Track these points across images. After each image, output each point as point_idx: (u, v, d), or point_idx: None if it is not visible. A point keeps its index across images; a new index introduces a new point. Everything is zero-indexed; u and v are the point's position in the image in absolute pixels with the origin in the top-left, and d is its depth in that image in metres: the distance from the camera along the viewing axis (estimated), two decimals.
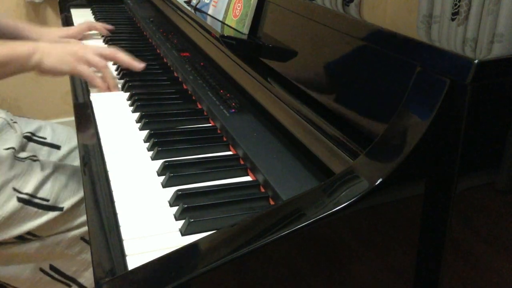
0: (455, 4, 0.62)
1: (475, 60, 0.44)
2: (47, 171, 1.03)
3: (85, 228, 1.05)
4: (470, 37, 0.53)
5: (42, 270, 1.05)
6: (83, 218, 1.04)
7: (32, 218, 0.98)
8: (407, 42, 0.51)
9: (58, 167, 1.06)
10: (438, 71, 0.47)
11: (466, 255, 0.53)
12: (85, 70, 0.99)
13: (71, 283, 1.08)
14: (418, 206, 0.49)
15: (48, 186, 1.02)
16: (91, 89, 1.03)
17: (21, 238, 1.00)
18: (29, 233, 0.99)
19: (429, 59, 0.48)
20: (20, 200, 0.97)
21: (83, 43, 1.13)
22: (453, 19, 0.59)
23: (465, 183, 0.48)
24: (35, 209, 0.99)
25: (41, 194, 1.00)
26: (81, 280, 1.08)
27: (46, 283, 1.06)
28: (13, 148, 1.02)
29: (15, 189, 0.98)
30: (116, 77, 1.08)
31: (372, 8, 0.70)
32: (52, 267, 1.05)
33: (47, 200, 1.00)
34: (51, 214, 1.00)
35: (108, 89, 1.02)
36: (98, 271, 0.53)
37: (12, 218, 0.97)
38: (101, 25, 1.37)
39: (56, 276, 1.06)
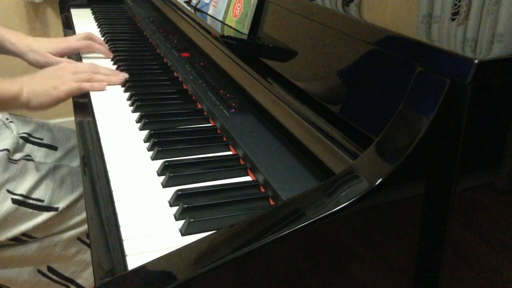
0: (455, 4, 0.62)
1: (475, 60, 0.44)
2: (42, 172, 1.02)
3: (82, 229, 1.05)
4: (470, 37, 0.53)
5: (40, 272, 1.04)
6: (79, 218, 1.04)
7: (27, 219, 0.98)
8: (407, 42, 0.51)
9: (53, 168, 1.05)
10: (438, 71, 0.47)
11: (466, 255, 0.53)
12: (74, 89, 0.99)
13: (69, 284, 1.07)
14: (418, 206, 0.49)
15: (42, 186, 1.01)
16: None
17: (18, 240, 0.99)
18: (25, 234, 0.99)
19: (429, 59, 0.48)
20: (14, 201, 0.96)
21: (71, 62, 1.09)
22: (453, 19, 0.59)
23: (465, 183, 0.48)
24: (30, 210, 0.98)
25: (35, 194, 0.99)
26: (79, 281, 1.08)
27: (44, 284, 1.05)
28: (7, 150, 1.01)
29: (9, 191, 0.97)
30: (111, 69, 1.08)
31: (372, 8, 0.70)
32: (50, 269, 1.05)
33: (42, 201, 1.00)
34: (46, 215, 0.99)
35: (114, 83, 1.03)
36: (98, 271, 0.53)
37: (7, 220, 0.96)
38: (100, 47, 1.24)
39: (54, 277, 1.06)
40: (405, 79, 0.50)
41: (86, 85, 1.00)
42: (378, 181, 0.45)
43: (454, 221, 0.49)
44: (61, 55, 1.18)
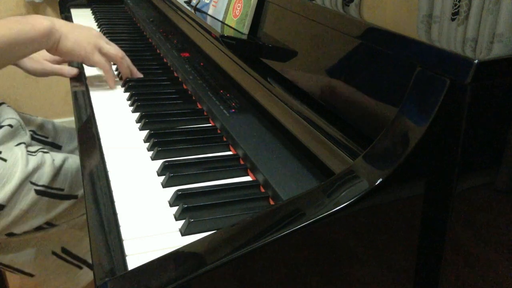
0: (455, 4, 0.62)
1: (475, 60, 0.44)
2: (58, 163, 1.04)
3: None
4: (470, 37, 0.53)
5: (54, 253, 1.06)
6: None
7: (50, 208, 1.00)
8: (407, 42, 0.51)
9: (67, 158, 1.07)
10: (438, 71, 0.47)
11: (466, 255, 0.53)
12: (100, 61, 1.02)
13: (82, 265, 1.09)
14: (418, 206, 0.49)
15: (61, 176, 1.03)
16: (90, 89, 1.03)
17: (40, 228, 1.01)
18: (47, 223, 1.01)
19: (429, 59, 0.48)
20: (38, 192, 0.98)
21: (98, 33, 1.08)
22: (453, 19, 0.59)
23: (465, 183, 0.48)
24: (52, 200, 1.00)
25: (56, 184, 1.02)
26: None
27: (58, 266, 1.07)
28: (23, 143, 1.03)
29: (32, 183, 0.99)
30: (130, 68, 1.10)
31: (372, 8, 0.70)
32: (64, 250, 1.06)
33: (62, 190, 1.02)
34: (68, 203, 1.02)
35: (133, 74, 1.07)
36: (98, 271, 0.53)
37: (31, 211, 0.98)
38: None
39: (68, 258, 1.07)
40: (405, 79, 0.50)
41: (111, 73, 1.04)
42: (378, 181, 0.45)
43: (454, 221, 0.49)
44: (58, 62, 1.15)
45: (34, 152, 1.03)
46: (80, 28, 1.02)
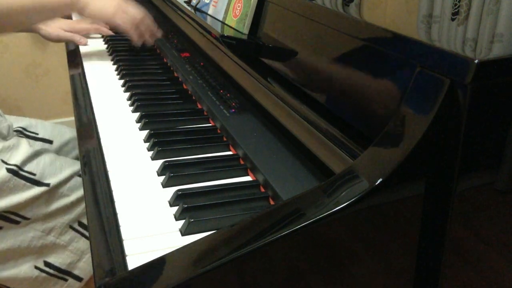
0: (455, 4, 0.62)
1: (475, 60, 0.44)
2: (35, 148, 1.07)
3: (72, 215, 1.08)
4: (470, 37, 0.53)
5: (37, 267, 1.06)
6: (69, 199, 1.07)
7: (20, 191, 1.01)
8: (407, 42, 0.51)
9: (44, 150, 1.10)
10: (438, 71, 0.47)
11: (466, 255, 0.53)
12: (122, 24, 1.13)
13: (67, 277, 1.09)
14: (418, 206, 0.49)
15: (35, 162, 1.05)
16: (91, 89, 1.03)
17: (11, 221, 1.01)
18: (18, 214, 1.01)
19: (429, 59, 0.48)
20: (9, 170, 1.00)
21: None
22: (453, 19, 0.59)
23: (465, 183, 0.48)
24: (23, 182, 1.01)
25: (28, 168, 1.03)
26: (76, 272, 1.10)
27: (43, 280, 1.07)
28: (18, 127, 1.07)
29: (3, 161, 1.01)
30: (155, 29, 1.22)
31: (372, 8, 0.70)
32: (46, 263, 1.07)
33: (34, 174, 1.03)
34: (38, 189, 1.02)
35: (148, 39, 1.18)
36: (98, 271, 0.53)
37: (2, 189, 0.99)
38: (106, 30, 1.38)
39: (51, 271, 1.07)
40: (405, 79, 0.50)
41: (133, 32, 1.15)
42: (378, 181, 0.45)
43: (454, 221, 0.49)
44: (72, 31, 1.28)
45: (10, 137, 1.06)
46: None
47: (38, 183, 1.03)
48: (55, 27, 1.26)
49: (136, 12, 1.15)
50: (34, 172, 1.03)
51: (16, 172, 1.01)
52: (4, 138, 1.07)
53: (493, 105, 0.47)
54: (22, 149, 1.04)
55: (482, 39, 0.53)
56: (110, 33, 1.36)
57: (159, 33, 1.22)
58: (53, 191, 1.05)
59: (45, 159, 1.07)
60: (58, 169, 1.07)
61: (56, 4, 1.07)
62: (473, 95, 0.45)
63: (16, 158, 1.02)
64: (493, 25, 0.56)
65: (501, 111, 0.48)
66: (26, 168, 1.03)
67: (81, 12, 1.11)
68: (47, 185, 1.04)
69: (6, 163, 1.01)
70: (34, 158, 1.05)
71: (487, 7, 0.60)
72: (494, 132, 0.48)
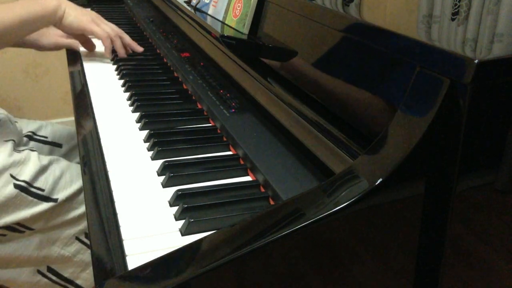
0: (455, 4, 0.62)
1: (475, 60, 0.44)
2: (44, 162, 1.05)
3: (80, 227, 1.06)
4: (470, 37, 0.53)
5: (40, 272, 1.05)
6: (77, 212, 1.06)
7: (27, 207, 1.00)
8: (407, 42, 0.51)
9: (53, 160, 1.08)
10: (438, 71, 0.47)
11: (466, 255, 0.53)
12: (99, 31, 1.15)
13: (68, 285, 1.08)
14: (418, 206, 0.49)
15: (44, 176, 1.03)
16: (91, 89, 1.03)
17: (15, 230, 1.00)
18: (22, 225, 1.00)
19: (429, 59, 0.48)
20: (16, 186, 0.99)
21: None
22: (453, 19, 0.59)
23: (465, 183, 0.48)
24: (31, 198, 1.00)
25: (37, 183, 1.02)
26: (79, 282, 1.09)
27: (44, 285, 1.06)
28: (13, 140, 1.04)
29: (12, 176, 0.99)
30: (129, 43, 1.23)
31: (372, 8, 0.70)
32: (49, 269, 1.06)
33: (43, 190, 1.02)
34: (46, 205, 1.01)
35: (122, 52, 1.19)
36: (98, 271, 0.53)
37: (8, 205, 0.98)
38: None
39: (53, 278, 1.06)
40: (405, 79, 0.50)
41: (108, 41, 1.17)
42: (378, 181, 0.45)
43: (454, 221, 0.49)
44: (69, 37, 1.28)
45: (21, 150, 1.04)
46: (81, 8, 1.17)
47: (46, 198, 1.02)
48: (52, 35, 1.27)
49: (112, 26, 1.19)
50: (43, 188, 1.02)
51: (25, 188, 1.00)
52: (18, 146, 1.06)
53: (493, 105, 0.47)
54: (32, 164, 1.02)
55: (482, 39, 0.53)
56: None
57: (139, 48, 1.23)
58: (61, 206, 1.03)
59: (54, 172, 1.05)
60: (68, 182, 1.06)
61: (34, 16, 1.06)
62: (473, 95, 0.45)
63: (26, 173, 1.01)
64: (493, 25, 0.56)
65: (501, 111, 0.48)
66: (35, 184, 1.01)
67: (59, 23, 1.12)
68: (55, 200, 1.02)
69: (15, 178, 0.99)
70: (43, 172, 1.04)
71: (487, 7, 0.60)
72: (494, 132, 0.48)
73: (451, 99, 0.46)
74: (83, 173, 0.74)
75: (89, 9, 1.23)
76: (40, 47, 1.26)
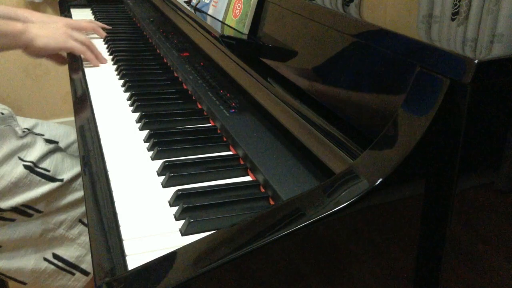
0: (455, 4, 0.62)
1: (475, 60, 0.44)
2: (49, 146, 1.10)
3: (83, 209, 1.11)
4: (470, 37, 0.53)
5: (45, 259, 1.08)
6: (79, 194, 1.10)
7: (36, 186, 1.04)
8: (407, 42, 0.51)
9: (56, 146, 1.14)
10: (438, 71, 0.47)
11: (466, 255, 0.53)
12: (75, 45, 1.14)
13: (74, 271, 1.11)
14: (418, 206, 0.49)
15: (48, 159, 1.08)
16: (91, 89, 1.03)
17: (23, 213, 1.04)
18: (30, 207, 1.04)
19: (429, 59, 0.48)
20: (26, 167, 1.04)
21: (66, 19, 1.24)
22: (453, 19, 0.59)
23: (465, 183, 0.48)
24: (38, 178, 1.05)
25: (43, 164, 1.07)
26: (83, 266, 1.11)
27: (51, 273, 1.09)
28: (25, 129, 1.11)
29: (20, 158, 1.04)
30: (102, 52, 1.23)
31: (372, 8, 0.70)
32: (55, 256, 1.09)
33: (48, 171, 1.07)
34: (52, 185, 1.06)
35: (99, 60, 1.18)
36: (98, 271, 0.53)
37: (19, 185, 1.02)
38: (102, 33, 1.39)
39: (60, 264, 1.09)
40: (405, 79, 0.50)
41: (88, 53, 1.16)
42: (378, 181, 0.45)
43: (454, 221, 0.49)
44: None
45: (27, 135, 1.09)
46: (48, 21, 1.16)
47: (52, 179, 1.06)
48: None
49: (83, 36, 1.18)
50: (48, 168, 1.07)
51: (32, 168, 1.04)
52: (20, 138, 1.10)
53: (493, 105, 0.47)
54: (37, 147, 1.08)
55: (482, 39, 0.53)
56: (105, 35, 1.37)
57: (103, 60, 1.21)
58: (66, 186, 1.08)
59: (57, 157, 1.10)
60: (70, 166, 1.11)
61: (3, 30, 1.02)
62: (473, 95, 0.45)
63: (32, 155, 1.06)
64: (493, 25, 0.56)
65: (501, 111, 0.48)
66: (41, 165, 1.06)
67: (29, 46, 1.07)
68: (61, 180, 1.07)
69: (23, 160, 1.04)
70: (48, 156, 1.09)
71: (487, 7, 0.60)
72: (494, 132, 0.48)
73: (451, 99, 0.46)
74: (83, 173, 0.74)
75: (54, 16, 1.23)
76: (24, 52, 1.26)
